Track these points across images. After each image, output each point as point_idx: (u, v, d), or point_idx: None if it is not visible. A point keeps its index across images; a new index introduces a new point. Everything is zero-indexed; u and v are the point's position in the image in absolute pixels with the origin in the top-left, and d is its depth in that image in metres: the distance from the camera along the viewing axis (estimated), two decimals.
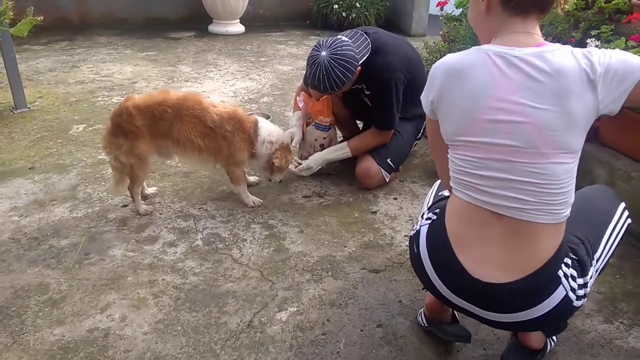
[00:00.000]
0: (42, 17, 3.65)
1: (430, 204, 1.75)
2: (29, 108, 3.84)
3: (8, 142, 3.32)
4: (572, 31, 3.22)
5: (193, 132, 2.44)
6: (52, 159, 3.11)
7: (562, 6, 1.41)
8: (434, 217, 1.57)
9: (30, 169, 2.99)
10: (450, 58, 1.41)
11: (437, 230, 1.51)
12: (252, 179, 2.89)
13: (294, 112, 3.11)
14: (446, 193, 1.71)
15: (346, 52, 2.50)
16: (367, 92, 2.78)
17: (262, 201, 2.71)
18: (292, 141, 2.89)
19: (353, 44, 2.57)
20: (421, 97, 1.50)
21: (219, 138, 2.49)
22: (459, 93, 1.37)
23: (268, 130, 2.62)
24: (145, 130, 2.40)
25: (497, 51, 1.34)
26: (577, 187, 1.41)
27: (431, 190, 1.86)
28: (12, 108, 3.79)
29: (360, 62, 2.57)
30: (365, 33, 2.72)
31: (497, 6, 1.38)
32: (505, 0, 1.36)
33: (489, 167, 1.35)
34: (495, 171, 1.35)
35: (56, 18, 5.96)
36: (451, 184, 1.48)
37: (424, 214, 1.67)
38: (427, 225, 1.56)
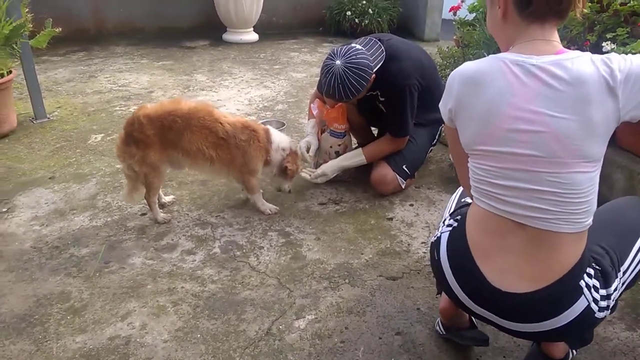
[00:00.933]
0: (60, 29, 3.72)
1: (452, 210, 1.75)
2: (48, 118, 3.91)
3: (28, 152, 3.38)
4: (587, 34, 3.20)
5: (204, 143, 2.46)
6: (72, 169, 3.16)
7: (581, 10, 1.37)
8: (455, 224, 1.57)
9: (50, 178, 3.04)
10: (467, 66, 1.41)
11: (458, 238, 1.51)
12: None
13: (308, 119, 3.13)
14: (469, 200, 1.71)
15: (360, 61, 2.51)
16: (381, 99, 2.79)
17: (278, 208, 2.73)
18: (308, 150, 2.91)
19: (367, 52, 2.58)
20: (439, 106, 1.50)
21: (232, 148, 2.51)
22: (476, 101, 1.36)
23: (279, 137, 2.68)
24: (156, 139, 2.42)
25: (515, 59, 1.33)
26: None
27: (453, 196, 1.86)
28: (32, 118, 3.86)
29: (374, 70, 2.58)
30: (379, 40, 2.73)
31: (514, 14, 1.37)
32: (521, 8, 1.35)
33: (510, 177, 1.35)
34: (516, 181, 1.34)
35: (73, 29, 6.06)
36: (472, 192, 1.48)
37: (445, 220, 1.67)
38: (448, 232, 1.56)
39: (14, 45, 3.52)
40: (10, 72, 3.58)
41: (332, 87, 2.54)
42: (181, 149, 2.47)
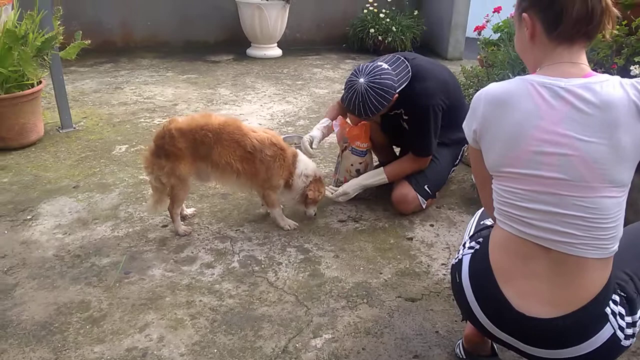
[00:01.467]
0: (89, 41, 3.81)
1: (472, 232, 1.73)
2: (74, 128, 3.99)
3: (54, 160, 3.44)
4: (614, 57, 3.16)
5: (232, 157, 2.50)
6: (96, 179, 3.20)
7: (610, 31, 1.34)
8: (477, 246, 1.55)
9: (74, 187, 3.09)
10: (493, 87, 1.40)
11: (480, 261, 1.49)
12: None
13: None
14: (488, 222, 1.69)
15: (384, 81, 2.51)
16: (405, 117, 2.79)
17: (297, 224, 2.73)
18: (311, 144, 2.89)
19: (393, 72, 2.58)
20: (463, 126, 1.49)
21: (257, 162, 2.54)
22: (502, 123, 1.35)
23: (305, 164, 2.69)
24: (186, 152, 2.46)
25: (542, 81, 1.32)
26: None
27: (473, 219, 1.84)
28: (59, 128, 3.94)
29: (398, 90, 2.58)
30: (405, 59, 2.73)
31: (542, 35, 1.36)
32: (549, 29, 1.34)
33: (535, 200, 1.33)
34: (541, 204, 1.32)
35: (101, 41, 6.20)
36: (495, 215, 1.46)
37: (465, 242, 1.65)
38: (470, 255, 1.54)
39: (45, 57, 3.60)
40: (40, 82, 3.66)
41: (353, 103, 2.55)
42: (211, 162, 2.51)
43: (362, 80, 2.52)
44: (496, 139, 1.38)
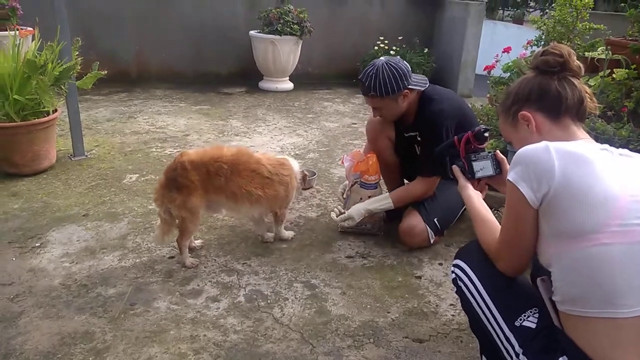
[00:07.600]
0: (106, 72, 3.88)
1: (519, 343, 1.43)
2: (86, 156, 4.03)
3: (65, 188, 3.47)
4: (624, 100, 3.18)
5: (252, 185, 2.58)
6: (105, 207, 3.22)
7: (594, 106, 1.49)
8: None
9: (83, 215, 3.10)
10: (556, 144, 1.32)
11: None
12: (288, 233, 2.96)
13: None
14: (530, 325, 1.44)
15: (402, 67, 2.63)
16: (419, 139, 2.81)
17: (294, 233, 2.90)
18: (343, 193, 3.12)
19: (412, 72, 2.69)
20: (522, 187, 1.32)
21: (276, 184, 2.66)
22: (585, 176, 1.27)
23: (295, 163, 2.88)
24: (199, 185, 2.49)
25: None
26: None
27: (491, 324, 1.55)
28: (71, 155, 3.99)
29: (409, 86, 2.65)
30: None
31: (545, 124, 1.45)
32: (552, 116, 1.44)
33: None
34: None
35: (117, 71, 6.28)
36: (583, 305, 1.27)
37: None
38: None
39: (62, 86, 3.68)
40: (56, 110, 3.72)
41: (366, 74, 2.64)
42: (226, 193, 2.56)
43: (383, 59, 2.66)
44: (581, 195, 1.26)
